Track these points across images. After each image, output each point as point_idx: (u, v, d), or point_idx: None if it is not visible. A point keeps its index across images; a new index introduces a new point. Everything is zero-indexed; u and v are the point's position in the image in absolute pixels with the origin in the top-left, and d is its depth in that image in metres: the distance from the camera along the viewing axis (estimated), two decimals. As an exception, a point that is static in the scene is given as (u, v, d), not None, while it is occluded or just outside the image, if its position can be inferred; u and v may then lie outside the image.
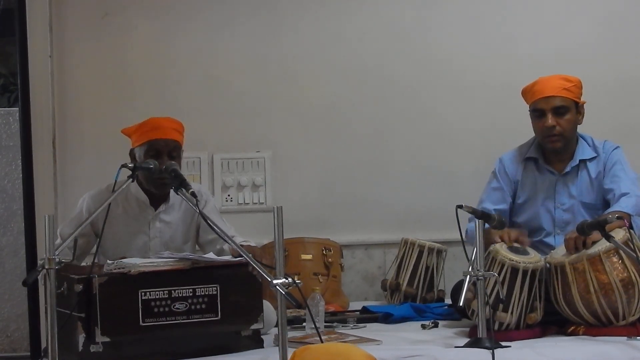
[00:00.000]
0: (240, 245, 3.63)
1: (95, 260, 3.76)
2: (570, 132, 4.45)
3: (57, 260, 3.32)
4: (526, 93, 4.53)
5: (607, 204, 4.40)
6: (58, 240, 3.75)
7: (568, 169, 4.50)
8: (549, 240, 4.49)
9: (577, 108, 4.47)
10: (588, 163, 4.50)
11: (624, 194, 4.32)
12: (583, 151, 4.51)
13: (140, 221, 4.34)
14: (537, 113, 4.44)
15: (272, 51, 5.33)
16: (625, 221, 3.88)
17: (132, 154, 4.34)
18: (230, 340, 3.76)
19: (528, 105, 4.52)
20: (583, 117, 4.50)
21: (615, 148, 4.51)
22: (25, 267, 4.83)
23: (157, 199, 4.36)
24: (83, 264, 4.08)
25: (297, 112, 5.35)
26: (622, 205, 4.24)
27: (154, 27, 5.29)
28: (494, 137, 5.19)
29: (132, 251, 4.24)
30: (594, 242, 3.96)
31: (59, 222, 4.44)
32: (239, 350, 3.76)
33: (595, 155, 4.50)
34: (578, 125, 4.50)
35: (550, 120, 4.39)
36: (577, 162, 4.49)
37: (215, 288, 3.73)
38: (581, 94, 4.48)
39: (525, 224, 4.54)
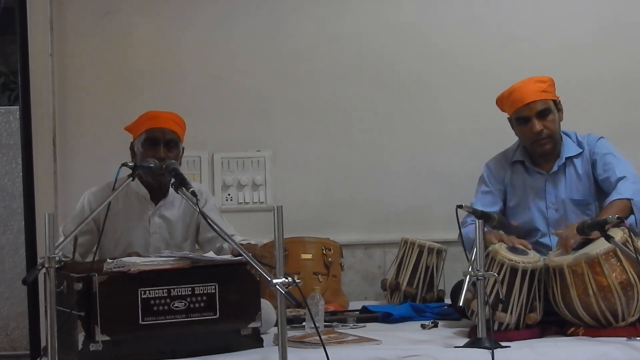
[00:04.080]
0: (240, 243, 3.63)
1: (96, 258, 3.76)
2: (556, 131, 4.47)
3: (58, 258, 3.32)
4: (503, 102, 4.53)
5: (601, 197, 4.41)
6: (61, 238, 3.75)
7: (555, 168, 4.51)
8: (545, 240, 4.49)
9: (556, 105, 4.48)
10: (574, 159, 4.51)
11: (620, 178, 4.32)
12: (568, 148, 4.52)
13: (140, 217, 4.33)
14: (522, 120, 4.46)
15: (272, 50, 5.33)
16: (625, 222, 3.87)
17: (132, 147, 4.34)
18: (229, 339, 3.76)
19: (507, 114, 4.52)
20: (562, 112, 4.50)
21: (599, 139, 4.51)
22: (25, 266, 4.82)
23: (158, 194, 4.35)
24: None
25: (298, 112, 5.35)
26: (621, 191, 4.25)
27: (154, 26, 5.29)
28: (494, 137, 5.15)
29: (132, 247, 4.23)
30: (585, 243, 3.97)
31: (59, 221, 4.43)
32: (238, 350, 3.75)
33: (580, 150, 4.51)
34: (561, 122, 4.51)
35: (537, 125, 4.40)
36: (564, 160, 4.50)
37: (213, 287, 3.73)
38: (555, 90, 4.49)
39: (519, 227, 4.54)
